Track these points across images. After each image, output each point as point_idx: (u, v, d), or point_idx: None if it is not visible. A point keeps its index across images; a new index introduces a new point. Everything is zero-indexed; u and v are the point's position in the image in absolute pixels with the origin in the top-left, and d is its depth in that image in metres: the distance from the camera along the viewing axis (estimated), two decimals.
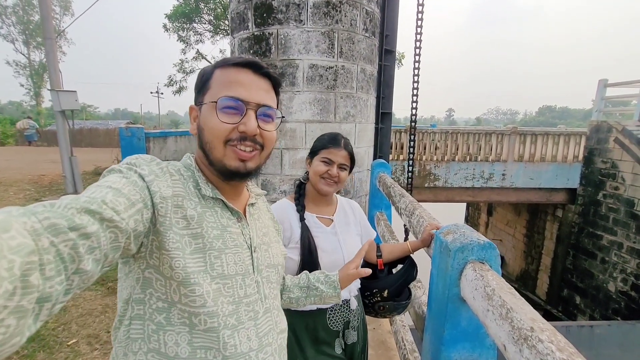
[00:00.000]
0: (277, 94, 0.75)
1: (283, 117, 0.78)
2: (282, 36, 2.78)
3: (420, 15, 3.84)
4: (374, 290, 1.33)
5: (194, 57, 16.75)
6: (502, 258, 11.54)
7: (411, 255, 1.42)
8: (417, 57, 3.99)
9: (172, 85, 16.99)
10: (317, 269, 1.12)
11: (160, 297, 0.60)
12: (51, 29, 5.22)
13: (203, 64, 17.52)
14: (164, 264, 0.59)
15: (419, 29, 3.92)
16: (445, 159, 8.53)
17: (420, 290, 1.74)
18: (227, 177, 0.68)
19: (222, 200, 0.69)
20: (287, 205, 1.25)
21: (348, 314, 1.27)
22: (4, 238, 0.33)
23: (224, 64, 0.68)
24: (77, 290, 0.43)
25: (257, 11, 2.82)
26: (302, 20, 2.74)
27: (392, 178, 8.71)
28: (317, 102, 2.88)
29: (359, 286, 1.35)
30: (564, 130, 8.69)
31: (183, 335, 0.61)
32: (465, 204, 13.85)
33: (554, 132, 8.65)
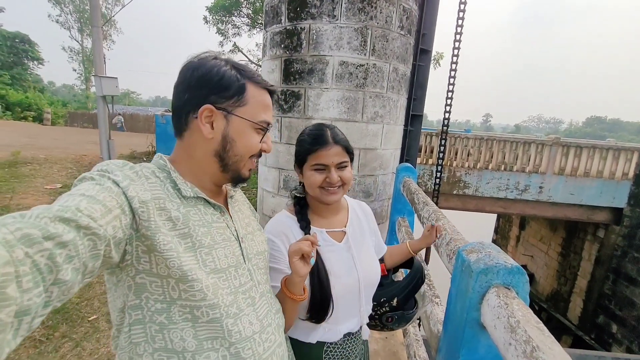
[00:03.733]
0: None
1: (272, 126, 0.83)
2: (314, 31, 2.73)
3: (461, 14, 3.64)
4: (382, 300, 1.15)
5: (230, 50, 17.14)
6: (532, 275, 10.90)
7: (416, 258, 1.29)
8: (454, 58, 3.79)
9: None
10: (329, 302, 0.94)
11: (157, 299, 0.61)
12: (99, 18, 5.53)
13: (239, 57, 17.93)
14: (158, 265, 0.59)
15: (459, 29, 3.72)
16: (478, 167, 8.14)
17: (438, 306, 1.63)
18: (237, 182, 0.76)
19: (204, 198, 0.70)
20: (288, 221, 1.01)
21: (349, 350, 1.05)
22: None
23: (256, 82, 0.71)
24: (57, 304, 0.42)
25: (291, 5, 2.79)
26: (335, 16, 2.67)
27: (419, 182, 8.45)
28: (345, 101, 2.80)
29: (370, 310, 1.12)
30: (614, 145, 8.00)
31: (187, 330, 0.62)
32: (495, 215, 13.19)
33: (602, 146, 7.98)
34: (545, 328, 0.73)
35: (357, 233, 1.10)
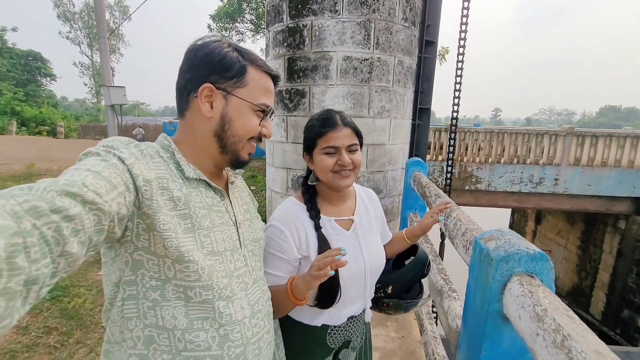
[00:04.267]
0: None
1: (274, 113, 0.83)
2: (316, 27, 2.71)
3: (466, 3, 3.57)
4: (377, 286, 1.14)
5: None
6: None
7: (422, 248, 1.24)
8: (461, 50, 3.72)
9: None
10: (337, 291, 0.93)
11: (153, 276, 0.61)
12: (104, 29, 5.65)
13: None
14: (156, 244, 0.59)
15: (464, 19, 3.65)
16: (489, 161, 7.98)
17: (455, 300, 1.57)
18: (236, 165, 0.76)
19: (205, 181, 0.71)
20: (297, 209, 0.99)
21: (351, 331, 1.07)
22: None
23: (258, 65, 0.72)
24: (64, 274, 0.43)
25: (292, 2, 2.77)
26: (337, 10, 2.64)
27: (430, 179, 8.37)
28: (351, 96, 2.77)
29: (372, 294, 1.14)
30: (632, 133, 7.73)
31: (179, 308, 0.63)
32: (510, 210, 12.90)
33: (620, 134, 7.72)
34: (575, 316, 0.67)
35: (365, 221, 1.09)
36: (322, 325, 1.01)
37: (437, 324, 2.26)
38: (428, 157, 8.28)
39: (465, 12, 3.63)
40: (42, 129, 20.13)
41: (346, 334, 1.06)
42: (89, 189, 0.46)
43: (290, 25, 2.83)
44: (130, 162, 0.57)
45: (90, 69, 34.78)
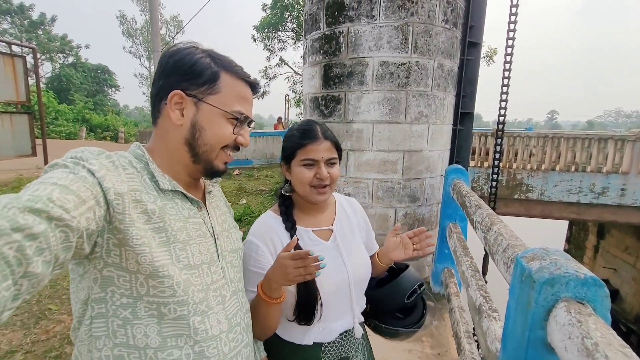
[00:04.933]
0: None
1: (253, 122, 0.79)
2: (352, 34, 2.70)
3: (515, 0, 3.34)
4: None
5: (277, 64, 17.91)
6: (616, 292, 9.42)
7: (409, 274, 1.10)
8: (509, 50, 3.48)
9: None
10: (315, 303, 0.90)
11: (124, 294, 0.59)
12: (159, 43, 6.18)
13: (285, 69, 18.66)
14: (128, 260, 0.57)
15: (512, 17, 3.42)
16: (543, 168, 7.34)
17: (496, 321, 1.45)
18: (211, 175, 0.74)
19: (181, 192, 0.69)
20: (272, 222, 0.97)
21: (347, 347, 1.00)
22: None
23: (233, 72, 0.69)
24: (27, 296, 0.40)
25: (329, 10, 2.80)
26: (373, 16, 2.61)
27: (473, 187, 7.87)
28: (387, 102, 2.71)
29: (364, 306, 1.07)
30: None
31: (152, 326, 0.60)
32: (567, 223, 11.73)
33: None
34: (634, 354, 0.58)
35: (346, 230, 1.05)
36: (314, 343, 0.96)
37: (476, 345, 2.11)
38: (472, 163, 7.83)
39: (514, 9, 3.40)
40: (107, 135, 22.44)
41: (341, 350, 1.00)
42: (55, 204, 0.43)
43: (326, 33, 2.85)
44: (101, 174, 0.54)
45: (148, 80, 38.04)
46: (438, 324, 2.58)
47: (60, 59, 30.06)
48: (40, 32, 28.15)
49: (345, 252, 1.00)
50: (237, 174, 9.58)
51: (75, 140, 18.24)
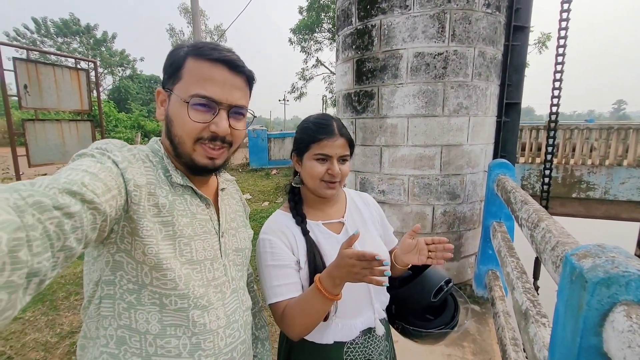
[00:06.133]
0: (250, 88, 0.73)
1: (254, 115, 0.76)
2: (385, 26, 2.62)
3: None
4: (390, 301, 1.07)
5: (313, 65, 18.09)
6: None
7: (433, 271, 1.02)
8: (562, 32, 3.16)
9: (294, 92, 18.77)
10: None
11: (130, 280, 0.62)
12: None
13: (322, 70, 18.78)
14: (136, 249, 0.60)
15: None
16: (607, 163, 6.57)
17: (545, 328, 1.31)
18: (195, 171, 0.70)
19: (192, 188, 0.70)
20: (283, 218, 0.98)
21: (371, 349, 0.97)
22: None
23: (197, 54, 0.64)
24: (60, 269, 0.43)
25: (361, 4, 2.74)
26: (407, 6, 2.51)
27: (524, 185, 7.27)
28: (422, 94, 2.59)
29: (386, 302, 1.05)
30: None
31: (153, 314, 0.63)
32: (639, 225, 10.37)
33: None
34: None
35: (358, 223, 1.04)
36: (335, 342, 0.94)
37: (523, 351, 1.93)
38: (522, 159, 7.24)
39: None
40: None
41: (365, 352, 0.96)
42: (87, 188, 0.47)
43: (358, 27, 2.80)
44: (124, 166, 0.58)
45: None
46: (482, 329, 2.42)
47: (120, 72, 33.11)
48: (103, 48, 31.23)
49: (358, 244, 0.96)
50: (275, 174, 9.82)
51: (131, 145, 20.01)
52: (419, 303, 1.01)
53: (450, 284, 1.02)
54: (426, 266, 1.06)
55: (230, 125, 0.67)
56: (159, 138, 0.73)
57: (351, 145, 0.98)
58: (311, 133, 0.94)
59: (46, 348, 2.18)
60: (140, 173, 0.61)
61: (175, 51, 0.67)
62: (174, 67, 0.65)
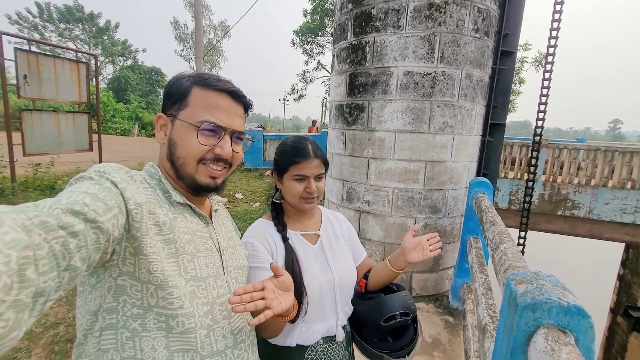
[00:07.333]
0: (247, 114, 0.80)
1: (252, 140, 0.82)
2: (378, 44, 2.72)
3: (558, 7, 3.15)
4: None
5: (314, 68, 18.20)
6: None
7: (398, 294, 1.10)
8: (551, 49, 3.29)
9: (294, 93, 18.86)
10: (301, 297, 0.96)
11: (135, 304, 0.61)
12: (201, 50, 6.62)
13: (322, 73, 18.87)
14: (140, 269, 0.60)
15: (556, 15, 3.23)
16: (592, 184, 6.74)
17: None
18: (196, 191, 0.73)
19: (190, 206, 0.72)
20: (265, 226, 1.06)
21: (331, 356, 1.04)
22: None
23: (204, 84, 0.70)
24: (63, 292, 0.44)
25: (357, 20, 2.85)
26: (400, 26, 2.62)
27: (512, 200, 7.39)
28: (410, 111, 2.70)
29: (349, 313, 1.11)
30: None
31: (159, 340, 0.61)
32: (624, 245, 10.56)
33: None
34: None
35: (331, 237, 1.14)
36: (297, 345, 1.00)
37: None
38: (511, 175, 7.39)
39: (557, 15, 3.22)
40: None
41: (325, 357, 1.03)
42: (89, 208, 0.47)
43: (353, 42, 2.90)
44: (123, 186, 0.58)
45: None
46: (453, 339, 2.52)
47: (121, 61, 32.93)
48: (105, 37, 31.07)
49: (330, 255, 1.08)
50: (268, 175, 9.89)
51: (128, 137, 19.88)
52: (370, 322, 1.09)
53: (409, 317, 1.08)
54: (394, 289, 1.16)
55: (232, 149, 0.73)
56: (153, 163, 0.75)
57: (326, 164, 1.07)
58: (289, 157, 1.03)
59: (30, 338, 2.23)
60: (139, 192, 0.62)
61: (179, 81, 0.72)
62: (178, 95, 0.70)
